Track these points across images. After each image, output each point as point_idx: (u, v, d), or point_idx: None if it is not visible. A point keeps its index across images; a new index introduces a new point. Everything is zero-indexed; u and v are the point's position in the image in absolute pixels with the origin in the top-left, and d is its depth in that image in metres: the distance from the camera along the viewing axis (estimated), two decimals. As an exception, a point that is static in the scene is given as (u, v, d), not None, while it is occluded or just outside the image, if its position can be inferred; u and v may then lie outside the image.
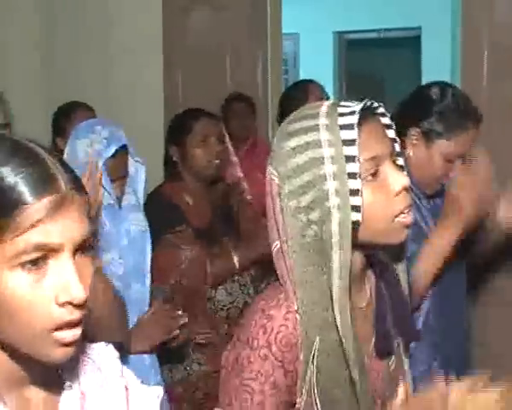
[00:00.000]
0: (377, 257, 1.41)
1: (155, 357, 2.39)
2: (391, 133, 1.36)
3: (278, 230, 1.33)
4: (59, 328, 0.94)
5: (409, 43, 7.12)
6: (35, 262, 0.93)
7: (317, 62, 6.85)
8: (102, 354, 1.16)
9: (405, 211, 1.30)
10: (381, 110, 1.34)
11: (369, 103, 1.30)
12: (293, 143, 1.29)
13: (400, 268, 1.46)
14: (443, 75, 2.25)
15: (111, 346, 1.19)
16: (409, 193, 1.32)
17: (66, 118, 3.20)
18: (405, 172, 1.33)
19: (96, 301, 1.81)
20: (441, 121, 2.09)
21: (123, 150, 2.24)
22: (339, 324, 1.28)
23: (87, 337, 1.83)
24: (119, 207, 2.28)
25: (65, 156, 2.13)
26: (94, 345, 1.16)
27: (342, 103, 1.30)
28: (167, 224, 2.63)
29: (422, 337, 1.92)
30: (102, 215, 2.11)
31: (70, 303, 0.94)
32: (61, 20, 4.31)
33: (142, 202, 2.36)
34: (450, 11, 4.88)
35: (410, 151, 2.12)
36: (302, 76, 6.59)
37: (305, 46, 7.01)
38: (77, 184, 0.97)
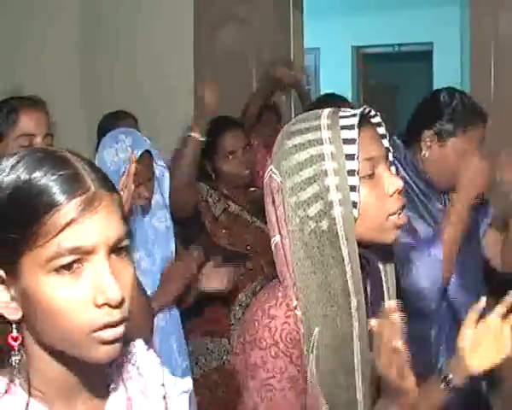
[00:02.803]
0: (365, 255, 1.40)
1: (183, 343, 2.47)
2: (385, 143, 1.37)
3: (278, 225, 1.33)
4: (99, 329, 0.92)
5: (421, 57, 7.38)
6: (70, 266, 0.90)
7: (337, 75, 7.11)
8: (144, 359, 1.14)
9: (399, 212, 1.32)
10: (378, 120, 1.36)
11: (367, 110, 1.33)
12: (294, 141, 1.30)
13: (388, 269, 1.45)
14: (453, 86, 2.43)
15: (152, 351, 1.17)
16: (402, 196, 1.34)
17: (112, 128, 3.11)
18: (399, 177, 1.35)
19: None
20: (451, 121, 2.21)
21: (146, 155, 2.29)
22: (355, 317, 1.30)
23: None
24: (149, 207, 2.37)
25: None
26: (135, 350, 1.13)
27: (343, 109, 1.33)
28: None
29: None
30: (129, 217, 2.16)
31: (107, 304, 0.91)
32: (100, 30, 4.41)
33: (167, 201, 2.46)
34: (460, 27, 4.99)
35: (425, 152, 2.23)
36: (323, 88, 6.85)
37: (325, 60, 7.26)
38: (106, 183, 0.95)
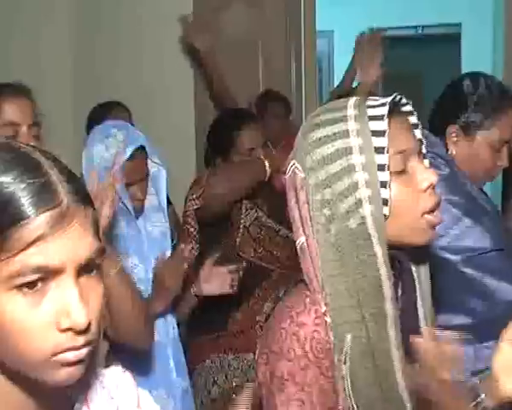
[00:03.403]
0: (397, 256, 1.36)
1: (182, 360, 2.33)
2: (417, 133, 1.33)
3: (303, 225, 1.29)
4: (62, 352, 0.88)
5: (448, 41, 6.88)
6: (33, 284, 0.86)
7: (353, 62, 6.68)
8: (117, 381, 1.10)
9: (433, 209, 1.29)
10: (409, 108, 1.32)
11: (398, 98, 1.29)
12: (318, 133, 1.28)
13: (423, 273, 1.41)
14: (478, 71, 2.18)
15: (128, 374, 1.13)
16: (436, 192, 1.30)
17: (102, 118, 3.04)
18: (433, 170, 1.31)
19: (120, 303, 1.84)
20: (478, 112, 2.05)
21: (140, 152, 2.18)
22: (390, 324, 1.26)
23: (110, 340, 1.92)
24: (142, 209, 2.25)
25: (83, 163, 2.11)
26: (108, 371, 1.10)
27: (370, 98, 1.29)
28: None
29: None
30: (120, 220, 2.09)
31: (71, 329, 0.87)
32: (94, 22, 4.31)
33: (164, 203, 2.30)
34: (492, 7, 4.73)
35: (452, 150, 2.07)
36: (337, 75, 6.40)
37: (339, 44, 6.82)
38: (82, 196, 0.89)
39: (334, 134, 1.26)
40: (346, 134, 1.26)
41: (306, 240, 1.30)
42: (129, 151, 2.10)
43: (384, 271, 1.25)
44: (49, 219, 0.85)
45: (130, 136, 2.16)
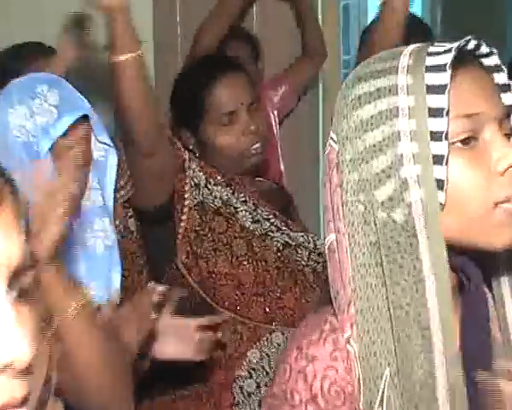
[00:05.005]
0: (462, 265, 1.14)
1: None
2: (508, 98, 1.14)
3: (334, 217, 1.16)
4: None
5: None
6: None
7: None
8: None
9: None
10: (495, 60, 1.15)
11: (474, 43, 1.12)
12: (359, 90, 1.14)
13: (507, 292, 1.19)
14: None
15: None
16: None
17: (20, 72, 2.21)
18: None
19: (84, 361, 1.44)
20: None
21: (82, 125, 1.73)
22: (440, 347, 1.09)
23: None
24: (78, 212, 1.73)
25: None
26: None
27: (437, 43, 1.14)
28: None
29: None
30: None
31: (5, 370, 0.74)
32: None
33: (111, 201, 1.79)
34: None
35: None
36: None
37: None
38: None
39: (379, 91, 1.12)
40: (393, 90, 1.12)
41: (337, 237, 1.15)
42: (66, 122, 1.67)
43: (432, 282, 1.08)
44: None
45: (68, 98, 1.74)
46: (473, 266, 1.16)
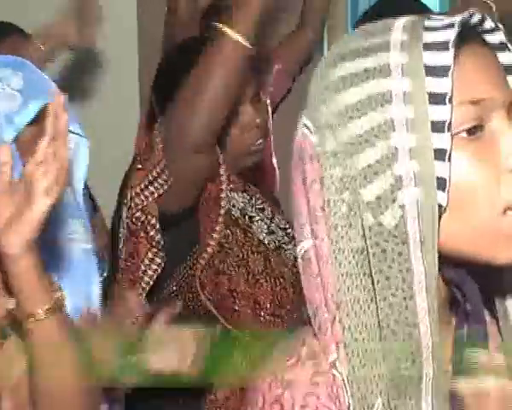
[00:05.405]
0: (457, 279, 1.06)
1: None
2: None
3: (311, 220, 1.03)
4: None
5: None
6: None
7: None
8: None
9: None
10: (501, 37, 1.04)
11: (477, 17, 1.00)
12: (342, 70, 1.01)
13: (510, 308, 1.12)
14: None
15: None
16: None
17: None
18: None
19: (51, 372, 1.34)
20: None
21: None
22: (426, 388, 0.99)
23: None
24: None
25: None
26: None
27: (432, 16, 1.02)
28: None
29: None
30: None
31: None
32: None
33: (80, 198, 1.69)
34: None
35: None
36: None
37: None
38: None
39: (367, 71, 1.01)
40: (384, 71, 1.00)
41: (314, 245, 1.04)
42: (33, 109, 1.59)
43: (423, 302, 1.00)
44: None
45: (35, 81, 1.66)
46: (470, 282, 1.08)
